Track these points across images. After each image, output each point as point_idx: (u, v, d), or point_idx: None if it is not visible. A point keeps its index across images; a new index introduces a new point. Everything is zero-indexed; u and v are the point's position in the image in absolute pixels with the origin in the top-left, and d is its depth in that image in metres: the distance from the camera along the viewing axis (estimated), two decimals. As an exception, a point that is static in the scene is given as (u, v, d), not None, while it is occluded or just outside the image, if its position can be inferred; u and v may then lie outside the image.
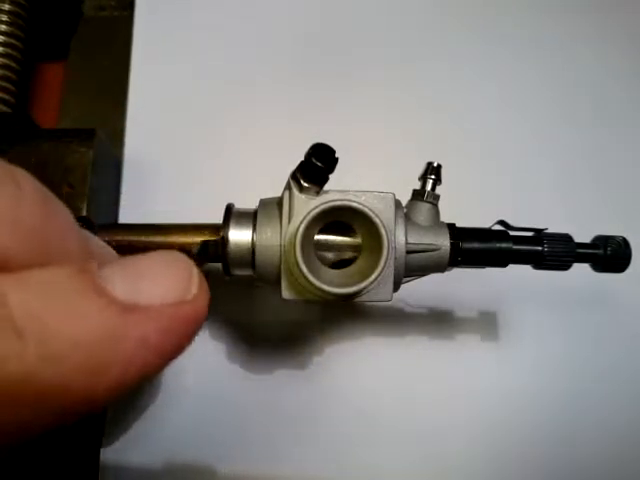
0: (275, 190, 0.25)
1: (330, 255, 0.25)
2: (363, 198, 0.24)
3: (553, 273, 0.27)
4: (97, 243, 0.20)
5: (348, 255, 0.25)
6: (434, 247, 0.25)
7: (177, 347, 0.16)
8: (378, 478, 0.32)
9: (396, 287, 0.25)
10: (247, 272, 0.26)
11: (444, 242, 0.26)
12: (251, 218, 0.25)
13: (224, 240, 0.25)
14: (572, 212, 0.36)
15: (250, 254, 0.25)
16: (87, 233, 0.19)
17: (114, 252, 0.21)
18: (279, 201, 0.25)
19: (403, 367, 0.33)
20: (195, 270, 0.17)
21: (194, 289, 0.16)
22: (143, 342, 0.15)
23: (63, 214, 0.17)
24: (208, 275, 0.18)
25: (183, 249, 0.26)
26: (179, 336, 0.16)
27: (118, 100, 0.37)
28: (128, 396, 0.32)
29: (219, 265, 0.26)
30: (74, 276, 0.15)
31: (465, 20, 0.40)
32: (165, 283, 0.16)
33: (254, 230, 0.25)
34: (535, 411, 0.33)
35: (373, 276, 0.23)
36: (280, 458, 0.32)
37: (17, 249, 0.15)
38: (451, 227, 0.27)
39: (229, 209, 0.25)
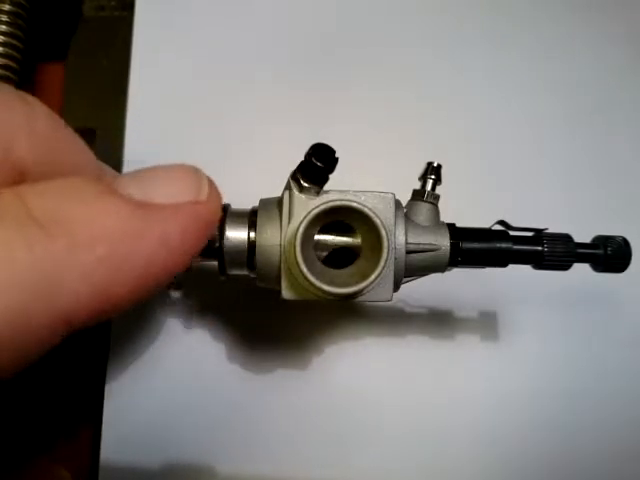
0: (275, 190, 0.25)
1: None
2: (363, 198, 0.24)
3: (553, 273, 0.27)
4: (104, 164, 0.21)
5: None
6: (434, 247, 0.25)
7: (194, 247, 0.17)
8: (378, 478, 0.32)
9: (396, 287, 0.25)
10: (243, 272, 0.26)
11: (444, 242, 0.26)
12: (247, 218, 0.25)
13: (221, 240, 0.25)
14: (572, 212, 0.36)
15: (246, 253, 0.25)
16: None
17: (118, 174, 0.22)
18: (279, 201, 0.25)
19: (403, 367, 0.33)
20: (204, 174, 0.18)
21: (206, 190, 0.17)
22: (164, 241, 0.15)
23: (72, 131, 0.18)
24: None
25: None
26: (196, 236, 0.16)
27: (118, 100, 0.37)
28: (128, 390, 0.32)
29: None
30: (90, 182, 0.15)
31: (465, 20, 0.40)
32: (178, 185, 0.17)
33: (250, 229, 0.25)
34: (535, 411, 0.33)
35: (373, 276, 0.23)
36: (280, 458, 0.32)
37: (33, 159, 0.16)
38: (451, 227, 0.27)
39: (225, 209, 0.26)
